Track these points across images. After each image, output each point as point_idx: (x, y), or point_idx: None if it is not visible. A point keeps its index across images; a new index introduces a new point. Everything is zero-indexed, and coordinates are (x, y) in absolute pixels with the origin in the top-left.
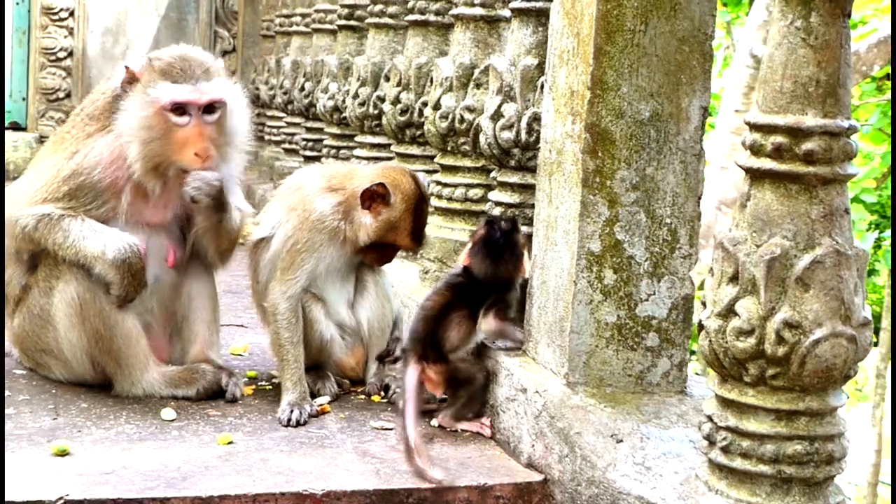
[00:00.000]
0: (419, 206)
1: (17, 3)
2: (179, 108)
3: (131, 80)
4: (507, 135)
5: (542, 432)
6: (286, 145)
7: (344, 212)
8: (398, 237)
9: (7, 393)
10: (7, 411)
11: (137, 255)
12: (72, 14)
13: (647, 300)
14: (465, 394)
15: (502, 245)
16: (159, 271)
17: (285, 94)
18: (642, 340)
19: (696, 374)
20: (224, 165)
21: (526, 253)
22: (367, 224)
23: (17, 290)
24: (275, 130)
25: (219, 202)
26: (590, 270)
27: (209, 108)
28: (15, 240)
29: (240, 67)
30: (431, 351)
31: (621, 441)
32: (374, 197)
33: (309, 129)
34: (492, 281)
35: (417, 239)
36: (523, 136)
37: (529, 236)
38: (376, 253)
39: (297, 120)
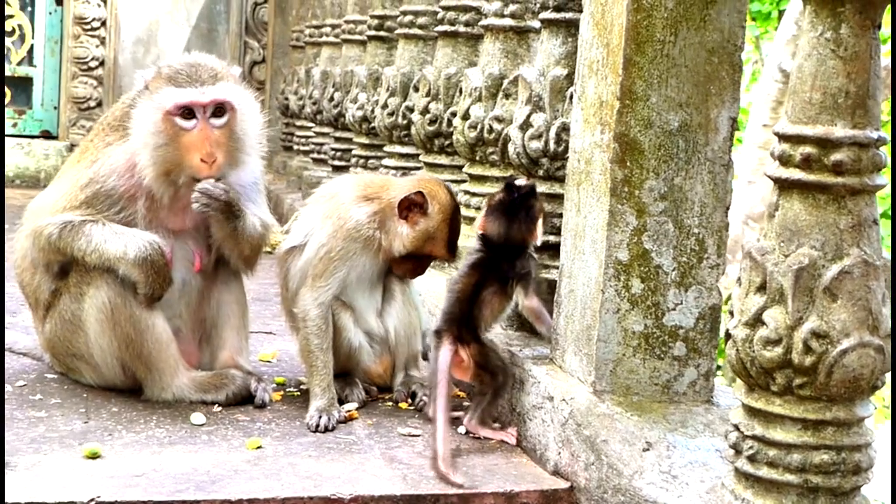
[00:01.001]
0: (454, 216)
1: (50, 13)
2: (186, 112)
3: (144, 88)
4: (536, 144)
5: (569, 440)
6: (315, 155)
7: (380, 221)
8: (434, 247)
9: (38, 396)
10: (39, 414)
11: (159, 252)
12: (104, 24)
13: (674, 309)
14: (490, 390)
15: (518, 205)
16: (187, 276)
17: (314, 104)
18: (669, 349)
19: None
20: (235, 172)
21: (541, 219)
22: (403, 234)
23: (48, 295)
24: (303, 140)
25: (228, 210)
26: (617, 279)
27: (217, 111)
28: (43, 252)
29: (269, 78)
30: (466, 332)
31: (648, 449)
32: (411, 206)
33: (338, 139)
34: (505, 242)
35: (452, 249)
36: (552, 145)
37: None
38: (410, 263)
39: (325, 130)
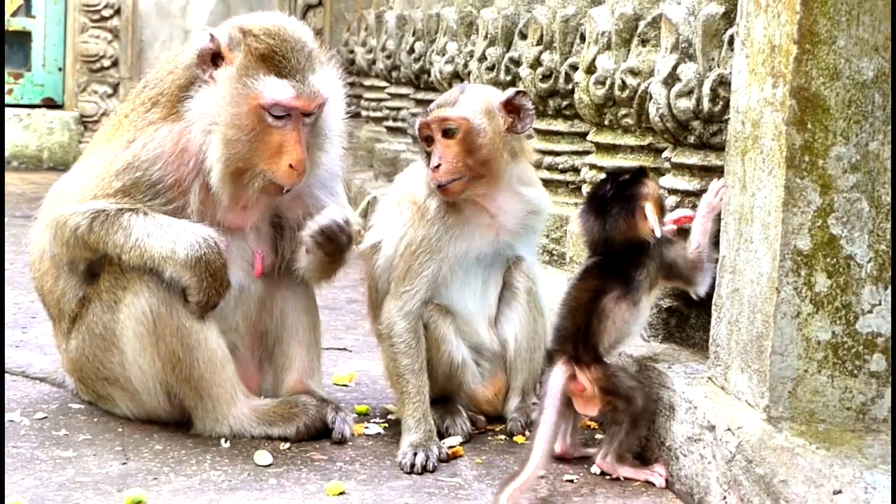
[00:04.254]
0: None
1: None
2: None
3: (215, 55)
4: (685, 103)
5: (737, 481)
6: (389, 122)
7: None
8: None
9: (64, 432)
10: (66, 454)
11: (215, 249)
12: None
13: (870, 312)
14: (626, 418)
15: (611, 199)
16: (245, 280)
17: (389, 57)
18: (865, 364)
19: None
20: (313, 169)
21: (651, 207)
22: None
23: (74, 304)
24: (374, 104)
25: (343, 251)
26: (797, 274)
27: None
28: (67, 247)
29: (328, 25)
30: (585, 350)
31: (840, 492)
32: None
33: (419, 102)
34: (605, 244)
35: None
36: (706, 104)
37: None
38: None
39: (403, 91)
